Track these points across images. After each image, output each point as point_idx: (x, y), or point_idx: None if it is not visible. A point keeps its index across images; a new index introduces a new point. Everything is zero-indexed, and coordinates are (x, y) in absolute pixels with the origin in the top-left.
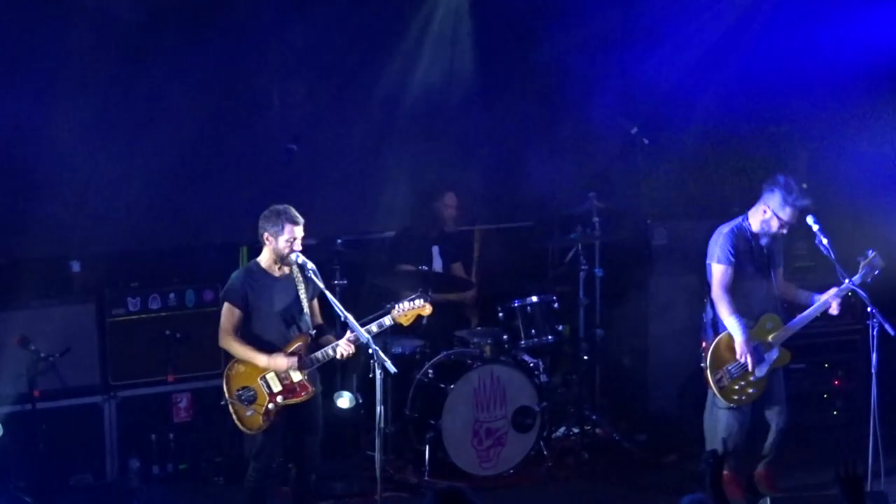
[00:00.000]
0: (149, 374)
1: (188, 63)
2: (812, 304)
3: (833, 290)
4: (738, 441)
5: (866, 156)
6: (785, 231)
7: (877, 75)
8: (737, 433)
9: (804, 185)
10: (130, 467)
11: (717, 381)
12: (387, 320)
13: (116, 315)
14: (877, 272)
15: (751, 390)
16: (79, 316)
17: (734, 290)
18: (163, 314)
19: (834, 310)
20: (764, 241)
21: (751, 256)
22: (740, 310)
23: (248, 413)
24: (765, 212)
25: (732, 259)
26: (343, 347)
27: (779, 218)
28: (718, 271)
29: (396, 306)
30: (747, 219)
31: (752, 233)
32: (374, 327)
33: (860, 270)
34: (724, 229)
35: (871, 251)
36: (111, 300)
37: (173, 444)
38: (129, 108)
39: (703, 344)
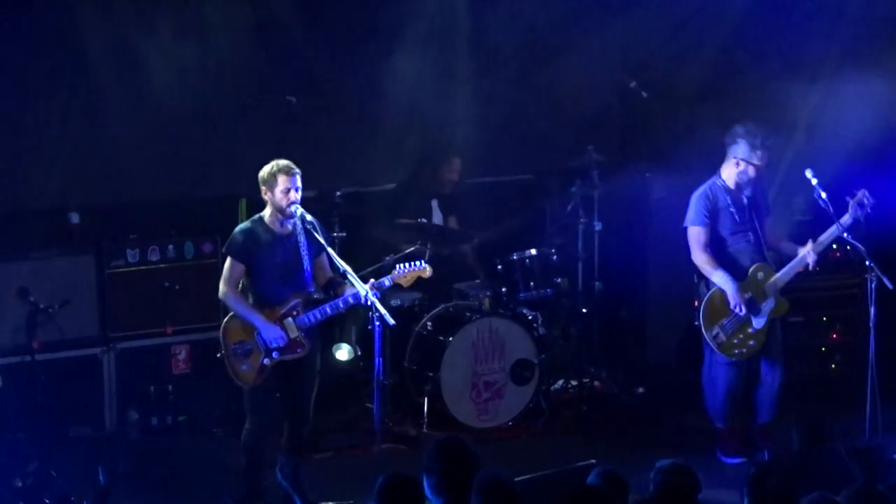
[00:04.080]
0: (147, 325)
1: (189, 16)
2: (797, 254)
3: (809, 245)
4: (736, 396)
5: (869, 106)
6: (764, 172)
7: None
8: (736, 388)
9: (764, 127)
10: (129, 419)
11: (715, 338)
12: (386, 281)
13: (115, 267)
14: (868, 210)
15: (751, 342)
16: (78, 268)
17: (720, 249)
18: (161, 266)
19: (810, 261)
20: (747, 193)
21: (730, 213)
22: (730, 267)
23: (244, 367)
24: (737, 164)
25: (707, 220)
26: (339, 305)
27: (753, 164)
28: (694, 233)
29: (397, 267)
30: (720, 177)
31: (728, 189)
32: (373, 289)
33: (850, 210)
34: (698, 192)
35: (860, 189)
36: (110, 252)
37: (172, 396)
38: (131, 60)
39: (696, 303)
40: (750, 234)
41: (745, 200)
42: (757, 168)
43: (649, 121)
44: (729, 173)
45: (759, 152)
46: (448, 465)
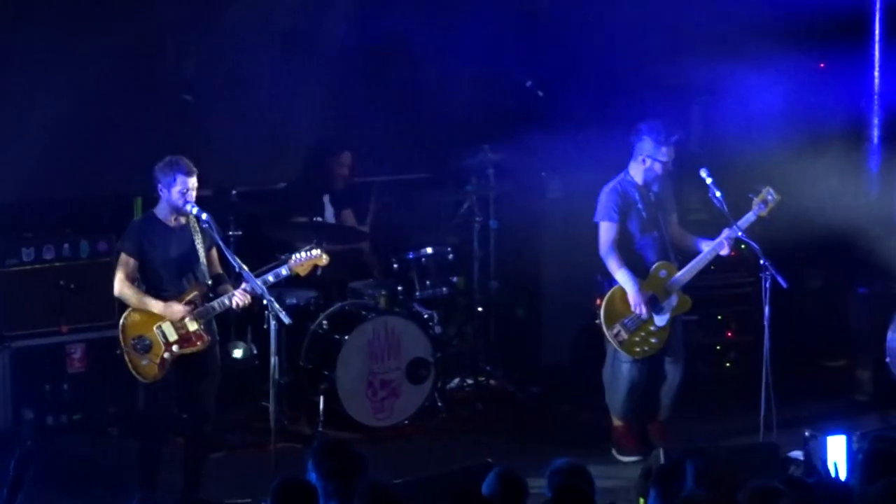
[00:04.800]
0: (43, 324)
1: (82, 13)
2: (700, 251)
3: (724, 234)
4: (639, 393)
5: (760, 106)
6: (670, 167)
7: (770, 23)
8: (638, 385)
9: (666, 123)
10: (24, 418)
11: (616, 336)
12: (283, 270)
13: (10, 265)
14: (771, 206)
15: (653, 340)
16: None
17: (627, 247)
18: (56, 264)
19: (725, 250)
20: (655, 189)
21: (638, 210)
22: (636, 265)
23: (144, 362)
24: (644, 161)
25: (616, 216)
26: (238, 297)
27: (659, 161)
28: (604, 229)
29: (293, 256)
30: (629, 173)
31: (636, 185)
32: (270, 277)
33: (753, 207)
34: (607, 188)
35: (765, 187)
36: (5, 250)
37: (67, 395)
38: (22, 57)
39: (598, 301)
40: (655, 231)
41: (652, 198)
42: (663, 164)
43: (545, 120)
44: (637, 172)
45: (663, 149)
46: (329, 470)
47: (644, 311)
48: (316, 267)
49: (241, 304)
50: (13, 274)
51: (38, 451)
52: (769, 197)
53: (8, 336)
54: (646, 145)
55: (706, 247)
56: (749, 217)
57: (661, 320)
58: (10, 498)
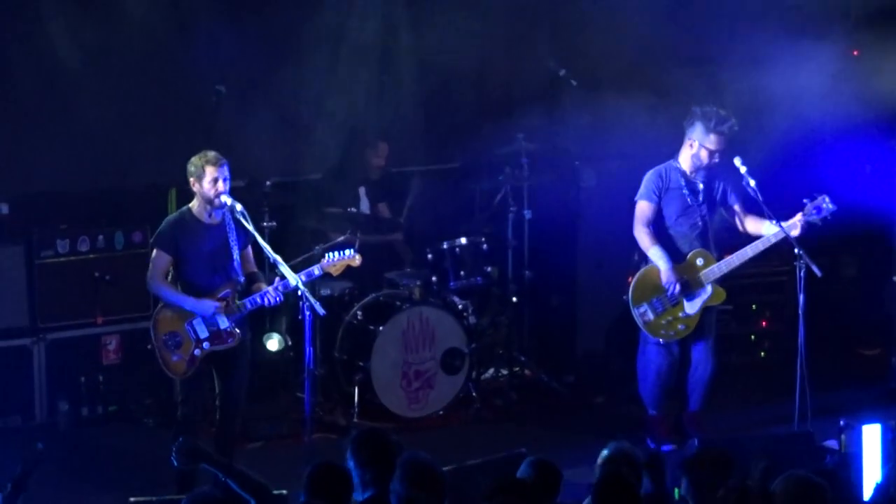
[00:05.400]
0: (78, 316)
1: (116, 4)
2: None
3: (769, 236)
4: (667, 381)
5: (795, 92)
6: (717, 159)
7: (805, 11)
8: (666, 373)
9: (721, 111)
10: (59, 409)
11: (642, 315)
12: (316, 270)
13: (45, 257)
14: (826, 216)
15: (680, 326)
16: (7, 258)
17: (663, 230)
18: (91, 256)
19: (796, 232)
20: (701, 177)
21: (682, 196)
22: (670, 249)
23: (174, 358)
24: (691, 146)
25: (655, 197)
26: (271, 296)
27: (706, 148)
28: (639, 208)
29: (326, 256)
30: (677, 160)
31: (682, 172)
32: (303, 276)
33: (805, 211)
34: (652, 170)
35: (821, 195)
36: (40, 242)
37: (102, 386)
38: (58, 48)
39: (629, 278)
40: (698, 219)
41: (699, 186)
42: (710, 153)
43: (579, 109)
44: (685, 156)
45: (713, 136)
46: (367, 458)
47: (677, 288)
48: (348, 267)
49: (273, 302)
50: (48, 266)
51: (47, 453)
52: (825, 205)
53: (43, 328)
54: (696, 130)
55: (767, 229)
56: (797, 221)
57: (691, 307)
58: (11, 496)
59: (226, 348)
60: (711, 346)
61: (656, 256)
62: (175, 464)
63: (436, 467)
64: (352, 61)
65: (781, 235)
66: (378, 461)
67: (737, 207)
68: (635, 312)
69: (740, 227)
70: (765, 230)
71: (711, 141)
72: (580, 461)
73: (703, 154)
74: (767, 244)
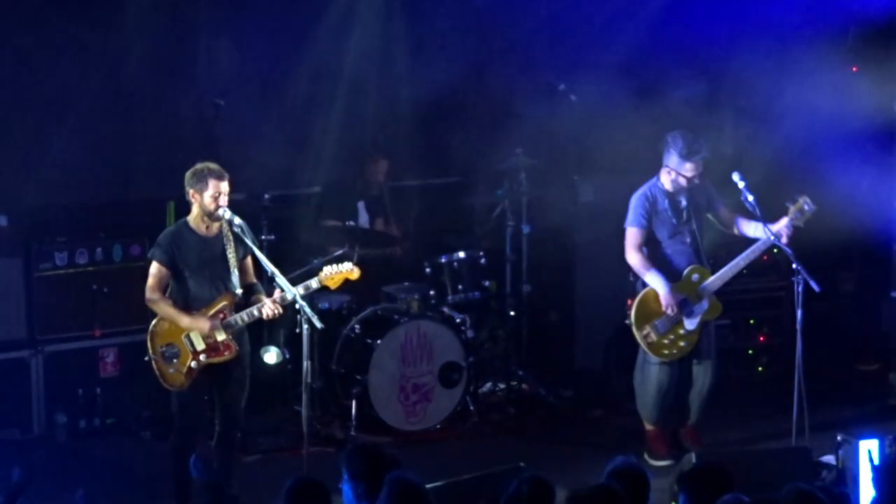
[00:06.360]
0: (76, 328)
1: (116, 18)
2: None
3: (759, 242)
4: (668, 397)
5: (793, 109)
6: (697, 181)
7: (804, 27)
8: (667, 389)
9: (694, 139)
10: (57, 422)
11: (645, 338)
12: (314, 283)
13: (43, 269)
14: (808, 215)
15: (682, 344)
16: (5, 270)
17: (656, 252)
18: (90, 269)
19: (784, 238)
20: (682, 198)
21: (668, 216)
22: (665, 270)
23: (171, 370)
24: (669, 172)
25: (644, 222)
26: (268, 308)
27: (683, 175)
28: (630, 234)
29: (324, 269)
30: (659, 180)
31: (666, 192)
32: (300, 289)
33: (789, 214)
34: (638, 193)
35: (801, 196)
36: (38, 254)
37: (100, 399)
38: (57, 61)
39: (629, 301)
40: (687, 236)
41: (682, 203)
42: (688, 179)
43: (577, 124)
44: (666, 180)
45: (687, 164)
46: (360, 471)
47: (675, 310)
48: (346, 280)
49: (271, 314)
50: (47, 278)
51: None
52: (806, 207)
53: (41, 340)
54: (671, 157)
55: (756, 230)
56: (783, 227)
57: (691, 324)
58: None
59: (223, 360)
60: (711, 360)
61: (654, 281)
62: (194, 474)
63: (422, 488)
64: (351, 75)
65: (772, 241)
66: (370, 475)
67: (723, 211)
68: (639, 335)
69: (730, 230)
70: (752, 231)
71: (687, 169)
72: (578, 475)
73: (682, 180)
74: (758, 252)
